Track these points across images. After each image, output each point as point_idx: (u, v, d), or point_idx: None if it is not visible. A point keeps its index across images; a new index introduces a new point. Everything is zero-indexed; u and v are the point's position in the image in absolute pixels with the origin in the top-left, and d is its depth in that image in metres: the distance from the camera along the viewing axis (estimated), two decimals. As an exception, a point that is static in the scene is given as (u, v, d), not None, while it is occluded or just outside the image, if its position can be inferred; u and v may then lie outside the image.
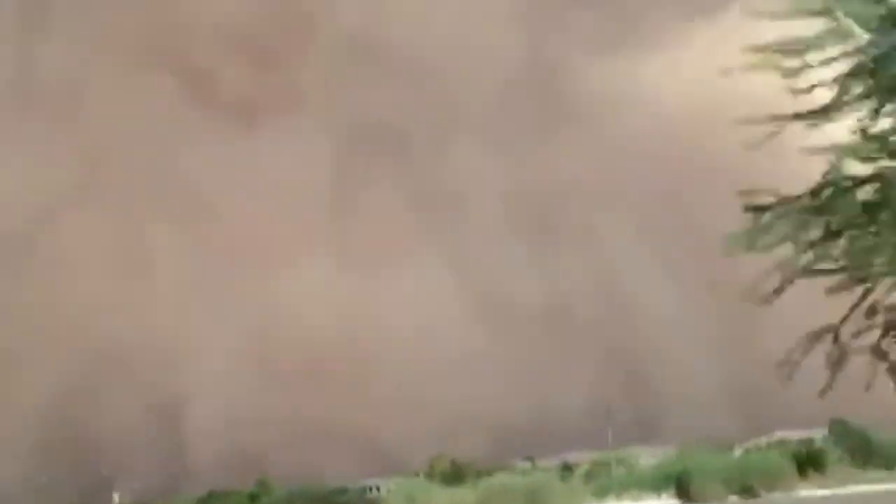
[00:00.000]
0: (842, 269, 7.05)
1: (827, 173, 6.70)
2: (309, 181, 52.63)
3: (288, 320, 46.09)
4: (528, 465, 37.12)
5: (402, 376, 36.82)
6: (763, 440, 58.04)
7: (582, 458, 37.42)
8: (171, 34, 64.16)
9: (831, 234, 6.96)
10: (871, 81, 6.63)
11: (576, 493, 39.43)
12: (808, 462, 45.34)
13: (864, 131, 6.60)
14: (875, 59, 6.54)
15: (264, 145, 58.61)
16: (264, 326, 42.72)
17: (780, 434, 55.00)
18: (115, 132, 62.04)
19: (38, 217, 56.61)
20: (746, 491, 41.15)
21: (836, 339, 6.39)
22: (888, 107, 6.60)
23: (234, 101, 63.46)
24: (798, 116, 7.13)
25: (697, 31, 44.96)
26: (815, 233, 6.92)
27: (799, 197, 6.86)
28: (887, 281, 6.89)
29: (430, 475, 34.75)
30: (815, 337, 6.52)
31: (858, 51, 6.48)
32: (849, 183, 6.66)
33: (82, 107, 62.71)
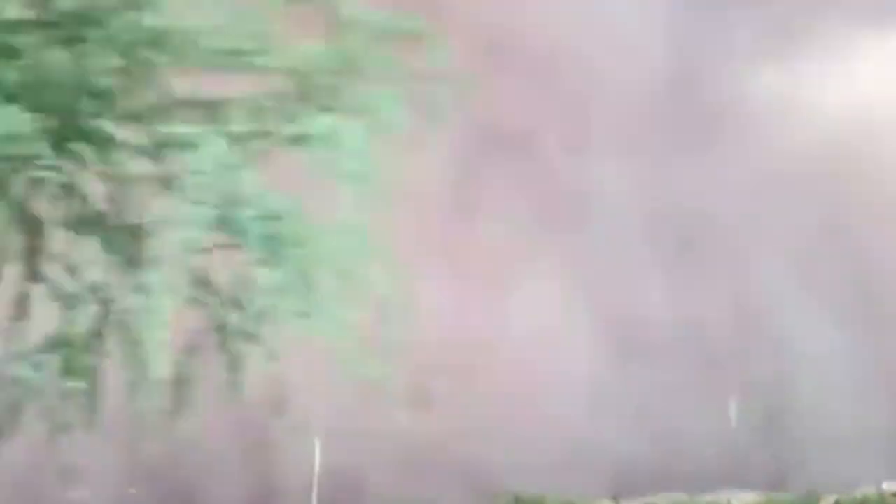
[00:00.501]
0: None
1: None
2: (431, 181, 49.89)
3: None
4: (612, 504, 33.92)
5: (515, 399, 33.70)
6: (861, 491, 51.91)
7: (671, 499, 34.15)
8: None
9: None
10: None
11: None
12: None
13: None
14: None
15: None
16: (374, 336, 39.94)
17: (887, 485, 48.88)
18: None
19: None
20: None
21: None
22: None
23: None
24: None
25: (867, 41, 41.49)
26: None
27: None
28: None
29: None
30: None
31: None
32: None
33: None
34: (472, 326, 37.42)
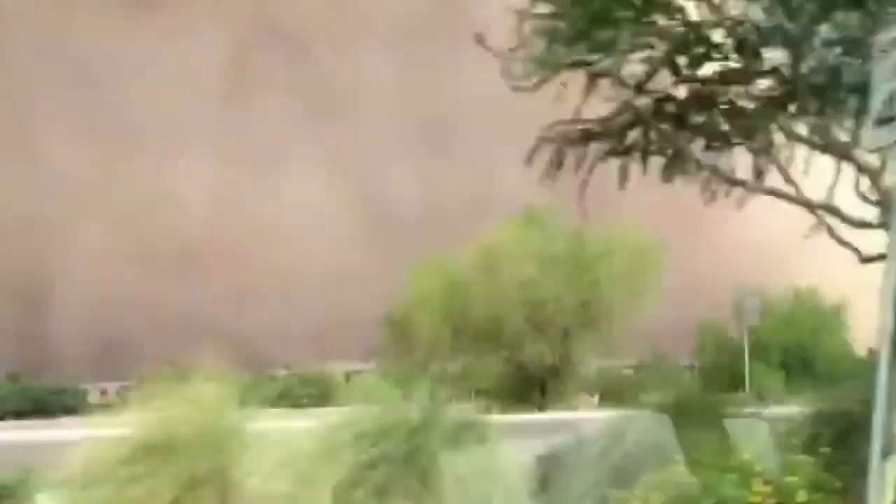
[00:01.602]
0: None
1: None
2: (203, 75, 51.48)
3: (167, 208, 45.27)
4: (284, 373, 36.72)
5: (278, 274, 36.38)
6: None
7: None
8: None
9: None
10: None
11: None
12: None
13: None
14: None
15: (160, 34, 57.16)
16: (142, 212, 41.67)
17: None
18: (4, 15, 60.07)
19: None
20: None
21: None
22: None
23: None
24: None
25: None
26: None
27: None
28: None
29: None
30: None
31: None
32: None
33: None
34: (239, 210, 39.69)
